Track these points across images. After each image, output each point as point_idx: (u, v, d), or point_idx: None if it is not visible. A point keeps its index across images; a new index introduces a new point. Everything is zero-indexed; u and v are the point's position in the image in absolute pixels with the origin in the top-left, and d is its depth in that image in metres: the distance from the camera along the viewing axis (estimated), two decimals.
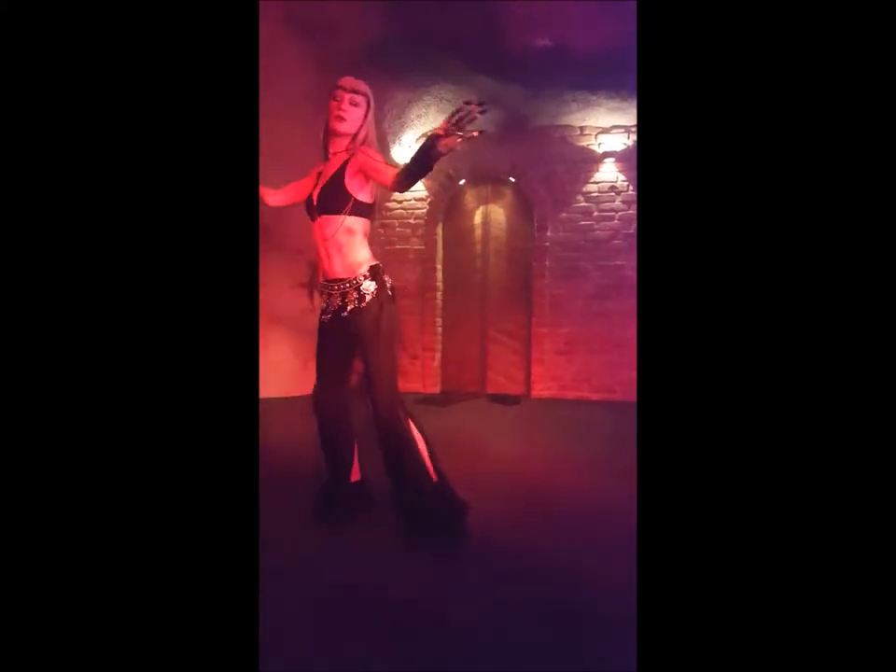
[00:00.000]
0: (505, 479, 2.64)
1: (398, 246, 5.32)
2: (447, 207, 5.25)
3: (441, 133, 1.53)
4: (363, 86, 1.97)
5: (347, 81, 1.96)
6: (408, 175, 1.72)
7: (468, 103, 1.50)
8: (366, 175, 1.92)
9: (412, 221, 5.31)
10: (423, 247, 5.27)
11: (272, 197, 2.17)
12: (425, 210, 5.25)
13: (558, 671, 1.28)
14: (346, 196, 1.93)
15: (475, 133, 1.53)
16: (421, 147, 1.62)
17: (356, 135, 1.97)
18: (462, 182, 5.18)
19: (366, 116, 1.97)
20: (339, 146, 2.00)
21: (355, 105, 1.95)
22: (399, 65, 4.00)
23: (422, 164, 1.65)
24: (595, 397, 4.91)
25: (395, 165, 1.87)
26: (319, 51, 3.80)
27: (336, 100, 1.95)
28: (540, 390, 5.01)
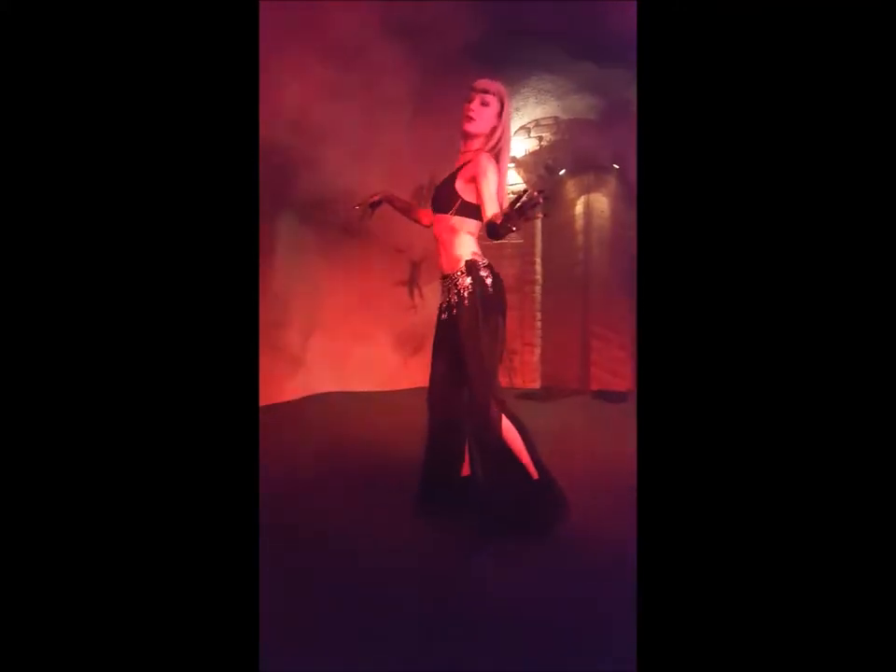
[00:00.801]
0: (608, 479, 2.54)
1: (495, 241, 5.27)
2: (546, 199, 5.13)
3: (497, 221, 1.57)
4: (495, 86, 1.95)
5: (480, 82, 1.95)
6: (487, 235, 1.80)
7: (526, 192, 1.50)
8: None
9: None
10: (521, 241, 5.19)
11: (428, 217, 2.14)
12: None
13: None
14: (455, 196, 1.94)
15: (539, 216, 1.53)
16: (486, 228, 1.74)
17: (489, 136, 1.95)
18: (562, 172, 5.04)
19: (499, 116, 1.95)
20: (471, 146, 1.99)
21: (485, 104, 1.93)
22: (496, 60, 3.94)
23: (494, 236, 1.74)
24: None
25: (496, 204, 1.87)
26: (420, 53, 3.83)
27: (468, 101, 1.95)
28: None
